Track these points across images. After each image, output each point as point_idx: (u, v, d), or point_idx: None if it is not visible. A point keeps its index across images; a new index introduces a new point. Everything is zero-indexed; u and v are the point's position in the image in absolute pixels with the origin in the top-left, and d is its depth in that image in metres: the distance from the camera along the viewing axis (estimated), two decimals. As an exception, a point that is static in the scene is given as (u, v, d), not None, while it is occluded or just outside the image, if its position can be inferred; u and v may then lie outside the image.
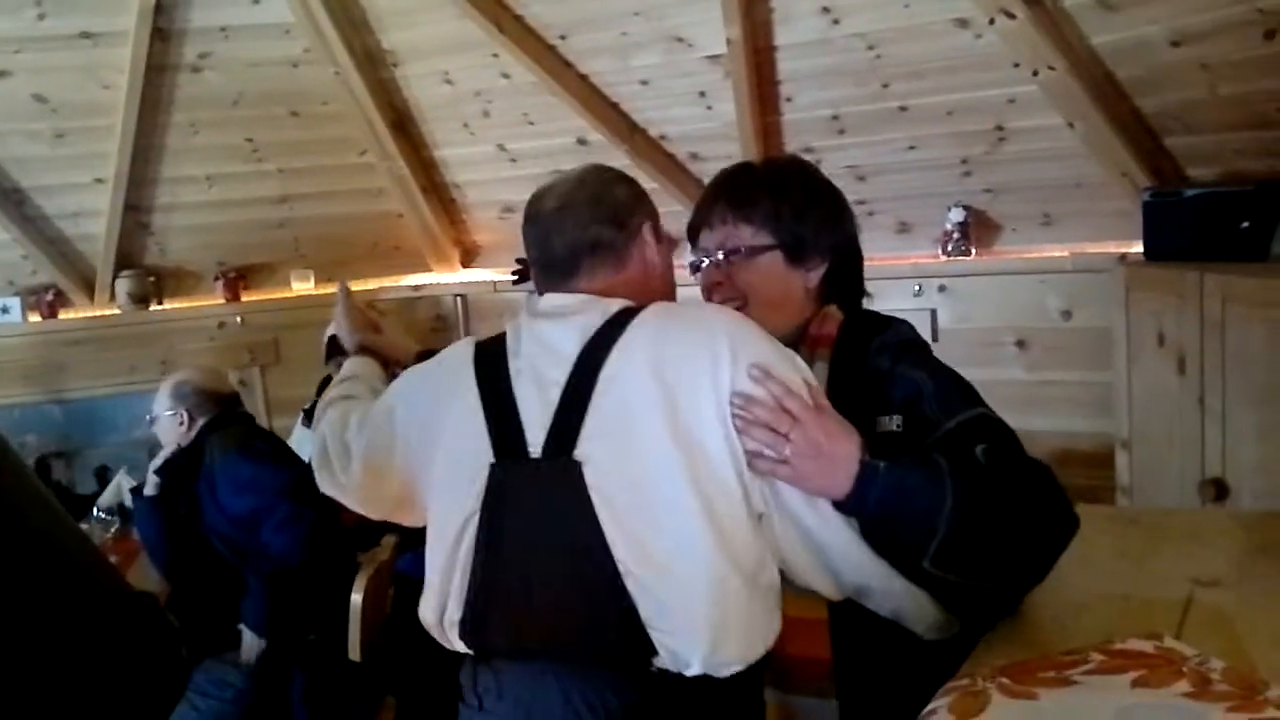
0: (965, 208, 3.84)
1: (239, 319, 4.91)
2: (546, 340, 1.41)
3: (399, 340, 2.01)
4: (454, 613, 1.41)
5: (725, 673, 1.32)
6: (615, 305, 1.41)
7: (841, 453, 1.30)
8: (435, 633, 1.47)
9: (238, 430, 3.10)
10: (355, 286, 4.92)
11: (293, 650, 2.93)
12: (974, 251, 3.88)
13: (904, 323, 1.57)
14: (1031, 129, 3.52)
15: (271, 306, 4.95)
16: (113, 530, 3.50)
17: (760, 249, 1.56)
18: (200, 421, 3.09)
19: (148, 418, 3.21)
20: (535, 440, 1.36)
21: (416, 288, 5.15)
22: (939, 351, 1.51)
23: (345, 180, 4.83)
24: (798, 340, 1.51)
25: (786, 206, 1.57)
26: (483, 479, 1.38)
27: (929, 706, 1.04)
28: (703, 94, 3.96)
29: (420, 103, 4.56)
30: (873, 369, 1.48)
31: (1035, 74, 3.26)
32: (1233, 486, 2.56)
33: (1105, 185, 3.50)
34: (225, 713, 2.87)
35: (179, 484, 3.04)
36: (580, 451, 1.33)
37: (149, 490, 3.09)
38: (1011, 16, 3.09)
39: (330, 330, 2.06)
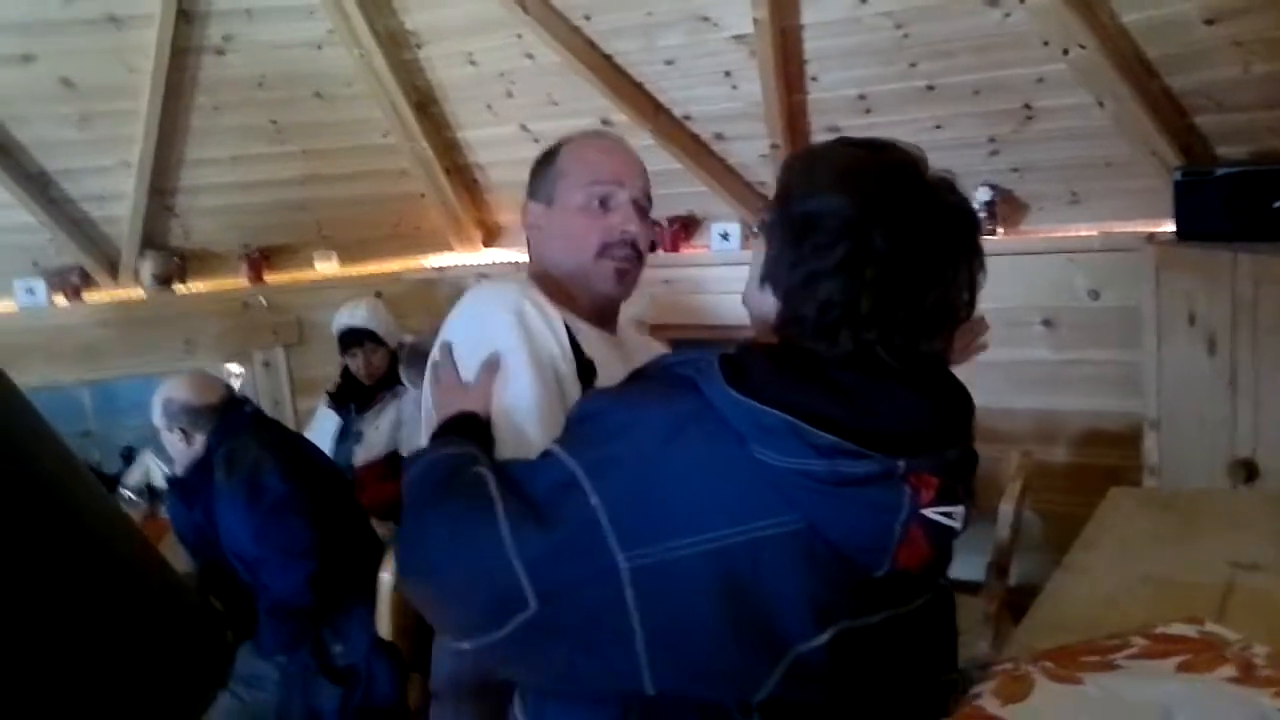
0: (992, 187, 3.81)
1: (263, 300, 4.92)
2: None
3: None
4: None
5: None
6: None
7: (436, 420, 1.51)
8: None
9: (247, 451, 2.84)
10: (377, 268, 5.02)
11: (319, 666, 2.83)
12: (1001, 231, 3.85)
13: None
14: (1060, 108, 3.48)
15: (295, 287, 4.97)
16: (139, 510, 3.54)
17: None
18: (200, 436, 2.92)
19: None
20: None
21: (439, 269, 5.15)
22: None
23: (368, 161, 4.83)
24: None
25: None
26: None
27: (973, 690, 1.04)
28: (728, 74, 3.93)
29: (443, 84, 4.55)
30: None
31: (1065, 53, 3.22)
32: (1264, 468, 2.54)
33: (1134, 164, 3.47)
34: (269, 704, 2.83)
35: (195, 491, 2.95)
36: None
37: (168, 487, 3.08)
38: (1041, -6, 3.07)
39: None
